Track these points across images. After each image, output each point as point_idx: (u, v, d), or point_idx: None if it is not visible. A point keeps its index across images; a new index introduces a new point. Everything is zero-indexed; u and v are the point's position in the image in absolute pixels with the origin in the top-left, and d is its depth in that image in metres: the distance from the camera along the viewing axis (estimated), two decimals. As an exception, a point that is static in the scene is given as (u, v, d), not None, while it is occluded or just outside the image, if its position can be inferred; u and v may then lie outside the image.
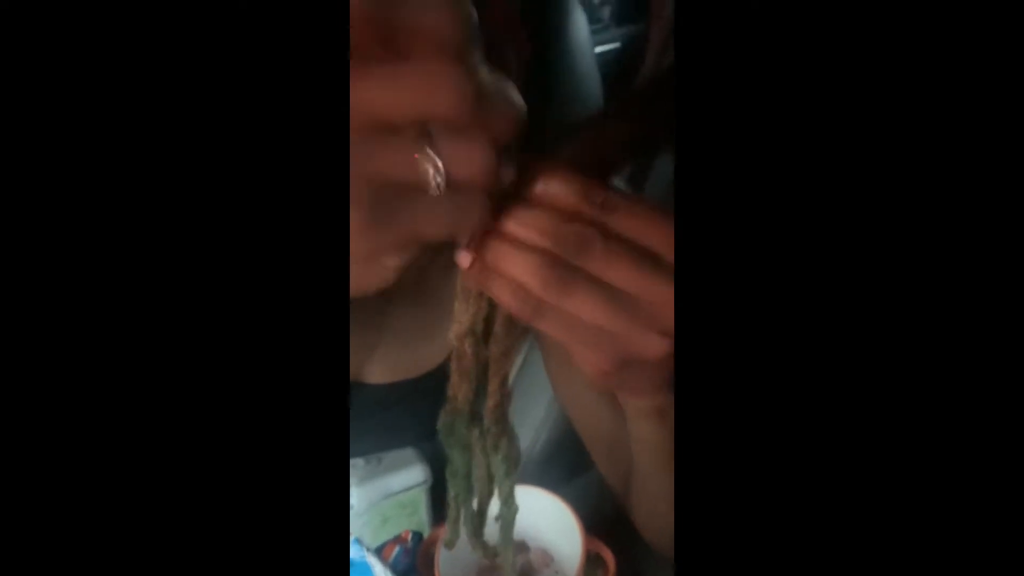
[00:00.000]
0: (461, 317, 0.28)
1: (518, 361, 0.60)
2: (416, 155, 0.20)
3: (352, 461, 0.56)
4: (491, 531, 0.34)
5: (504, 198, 0.23)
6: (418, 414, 0.56)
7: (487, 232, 0.24)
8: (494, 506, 0.33)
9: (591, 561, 0.47)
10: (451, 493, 0.32)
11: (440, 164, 0.20)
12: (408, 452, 0.57)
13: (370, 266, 0.21)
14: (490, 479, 0.31)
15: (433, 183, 0.20)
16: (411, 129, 0.20)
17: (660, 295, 0.23)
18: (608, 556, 0.47)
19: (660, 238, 0.23)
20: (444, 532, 0.34)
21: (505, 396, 0.30)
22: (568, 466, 0.60)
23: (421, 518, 0.55)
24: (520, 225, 0.23)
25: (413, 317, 0.51)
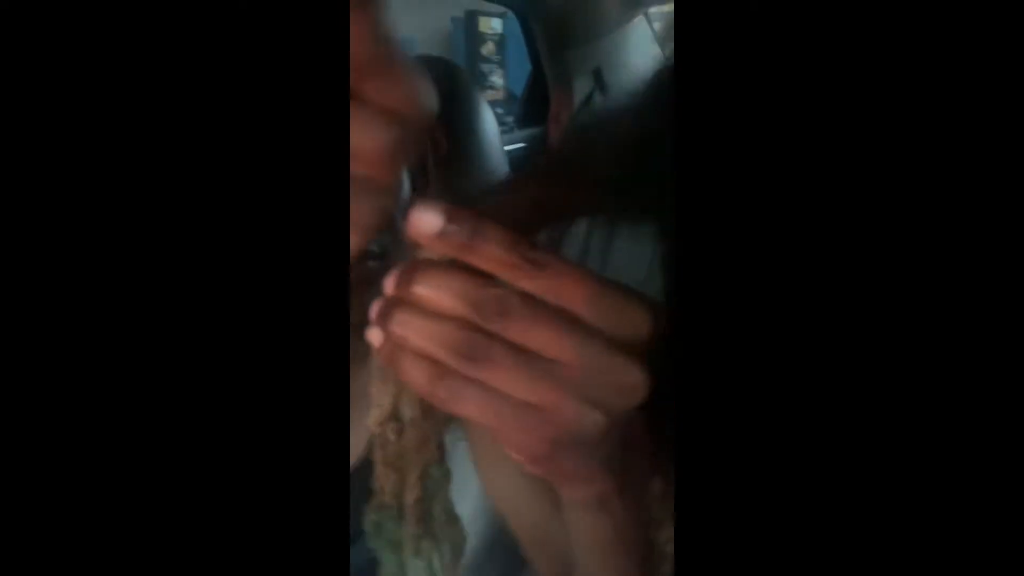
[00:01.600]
0: (381, 400, 0.26)
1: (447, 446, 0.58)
2: None
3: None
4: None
5: (414, 270, 0.22)
6: None
7: (392, 300, 0.22)
8: None
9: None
10: None
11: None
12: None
13: None
14: (443, 570, 0.29)
15: None
16: None
17: (590, 362, 0.22)
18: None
19: (583, 300, 0.22)
20: None
21: (423, 492, 0.27)
22: (503, 567, 0.57)
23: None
24: (429, 289, 0.21)
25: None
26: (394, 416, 0.26)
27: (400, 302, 0.22)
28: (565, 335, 0.22)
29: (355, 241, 0.21)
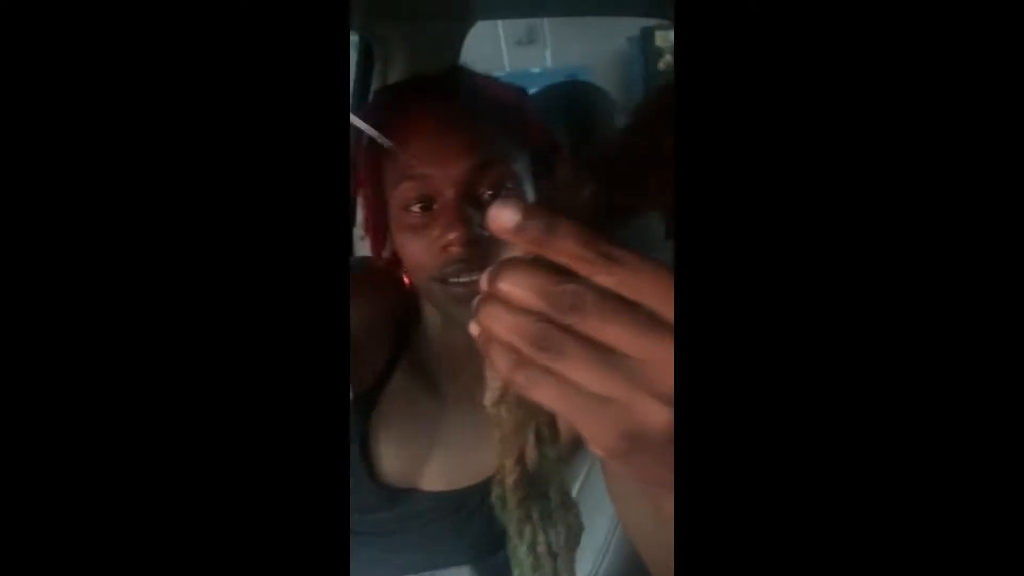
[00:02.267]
0: (492, 384, 0.27)
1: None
2: None
3: (406, 578, 0.53)
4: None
5: (498, 257, 0.23)
6: (473, 526, 0.54)
7: (485, 297, 0.23)
8: None
9: None
10: (514, 573, 0.30)
11: None
12: (463, 572, 0.54)
13: None
14: (551, 555, 0.29)
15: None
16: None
17: (659, 356, 0.22)
18: None
19: (659, 296, 0.22)
20: None
21: (523, 475, 0.28)
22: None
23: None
24: (510, 284, 0.22)
25: (468, 423, 0.50)
26: (504, 398, 0.27)
27: (489, 296, 0.23)
28: (638, 330, 0.22)
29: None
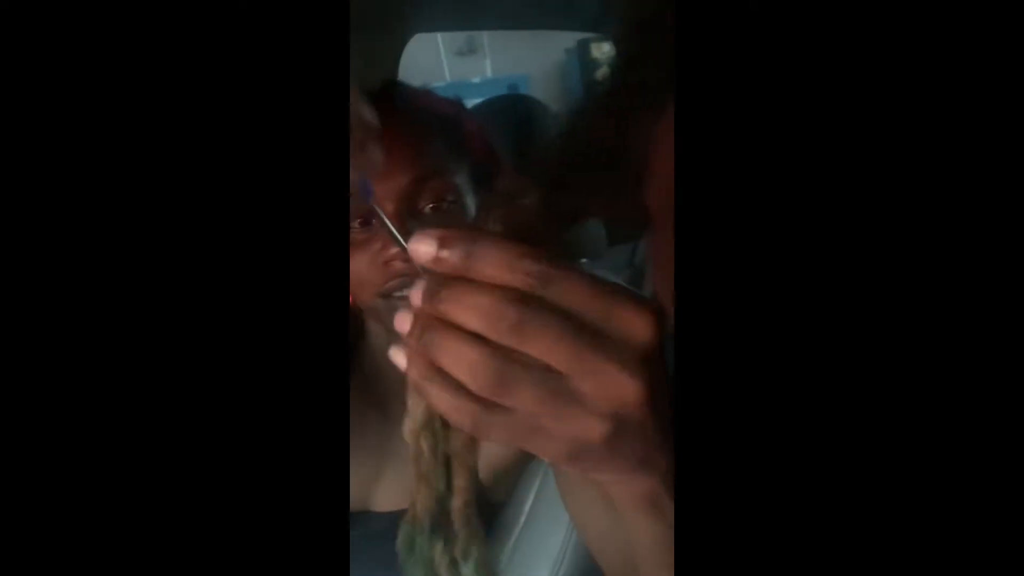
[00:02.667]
0: (414, 411, 0.26)
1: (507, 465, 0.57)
2: None
3: (360, 600, 0.52)
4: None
5: (438, 288, 0.23)
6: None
7: (422, 318, 0.23)
8: None
9: None
10: None
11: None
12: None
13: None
14: None
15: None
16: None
17: (593, 371, 0.22)
18: None
19: (597, 306, 0.22)
20: None
21: (472, 494, 0.27)
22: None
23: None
24: (453, 305, 0.22)
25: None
26: (427, 426, 0.26)
27: (429, 320, 0.23)
28: (576, 348, 0.22)
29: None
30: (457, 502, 0.27)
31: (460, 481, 0.27)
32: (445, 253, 0.22)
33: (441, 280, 0.23)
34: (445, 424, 0.26)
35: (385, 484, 0.52)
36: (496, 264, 0.22)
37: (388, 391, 0.59)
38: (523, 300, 0.22)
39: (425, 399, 0.24)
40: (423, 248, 0.23)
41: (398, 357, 0.24)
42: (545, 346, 0.22)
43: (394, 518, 0.53)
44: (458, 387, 0.23)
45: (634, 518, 0.31)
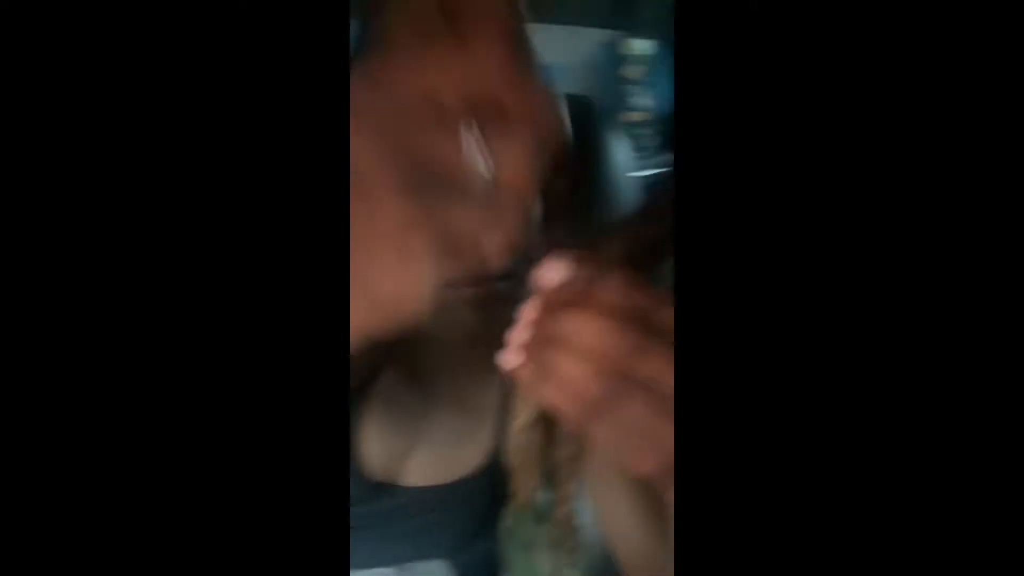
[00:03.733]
0: (521, 411, 0.28)
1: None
2: (465, 142, 0.20)
3: (382, 571, 0.55)
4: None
5: (555, 305, 0.24)
6: (452, 521, 0.55)
7: (540, 333, 0.25)
8: None
9: None
10: None
11: (487, 154, 0.21)
12: (437, 565, 0.55)
13: (410, 279, 0.21)
14: None
15: (483, 169, 0.21)
16: (459, 114, 0.20)
17: None
18: None
19: None
20: None
21: (579, 504, 0.29)
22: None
23: (449, 637, 0.52)
24: (572, 326, 0.24)
25: (450, 421, 0.52)
26: (531, 424, 0.28)
27: (547, 336, 0.24)
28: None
29: (489, 258, 0.23)
30: (561, 508, 0.29)
31: (564, 491, 0.29)
32: (573, 277, 0.24)
33: (559, 304, 0.24)
34: (548, 428, 0.28)
35: (415, 462, 0.54)
36: (617, 290, 0.24)
37: (431, 371, 0.60)
38: (640, 325, 0.23)
39: (542, 400, 0.25)
40: (553, 275, 0.24)
41: (509, 361, 0.25)
42: (659, 369, 0.23)
43: (420, 493, 0.55)
44: (577, 393, 0.24)
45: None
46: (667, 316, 0.24)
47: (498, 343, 0.54)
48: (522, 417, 0.28)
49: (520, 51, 0.21)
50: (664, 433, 0.24)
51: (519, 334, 0.26)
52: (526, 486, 0.29)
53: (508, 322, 0.54)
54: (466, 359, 0.52)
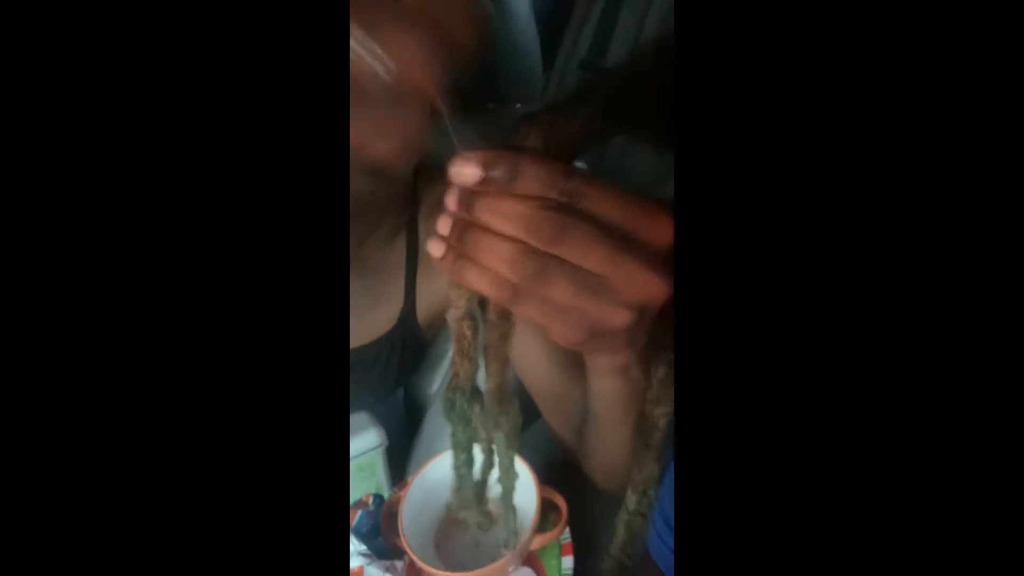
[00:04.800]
0: (458, 302, 0.29)
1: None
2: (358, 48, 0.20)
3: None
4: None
5: (476, 193, 0.24)
6: (368, 379, 0.58)
7: (461, 222, 0.25)
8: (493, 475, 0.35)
9: (545, 507, 0.50)
10: (454, 463, 0.35)
11: (385, 57, 0.20)
12: (362, 416, 0.58)
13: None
14: (490, 452, 0.33)
15: (381, 70, 0.20)
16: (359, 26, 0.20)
17: (626, 271, 0.25)
18: (560, 501, 0.51)
19: (626, 216, 0.25)
20: (451, 498, 0.36)
21: (506, 378, 0.31)
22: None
23: (380, 480, 0.57)
24: (494, 215, 0.24)
25: (358, 287, 0.52)
26: (469, 314, 0.29)
27: (468, 225, 0.25)
28: (609, 252, 0.25)
29: (389, 158, 0.23)
30: (491, 384, 0.31)
31: (493, 367, 0.31)
32: (491, 174, 0.23)
33: (479, 193, 0.24)
34: (482, 317, 0.29)
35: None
36: (536, 181, 0.24)
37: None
38: (560, 209, 0.24)
39: (466, 283, 0.26)
40: (468, 170, 0.23)
41: (435, 249, 0.26)
42: (581, 251, 0.24)
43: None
44: (498, 275, 0.25)
45: (605, 382, 0.37)
46: (596, 200, 0.24)
47: (403, 210, 0.52)
48: (459, 307, 0.29)
49: None
50: (585, 308, 0.26)
51: (441, 225, 0.26)
52: (465, 370, 0.31)
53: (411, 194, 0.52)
54: (370, 227, 0.50)
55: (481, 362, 0.31)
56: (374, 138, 0.22)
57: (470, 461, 0.35)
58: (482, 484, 0.36)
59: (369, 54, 0.20)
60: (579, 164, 0.27)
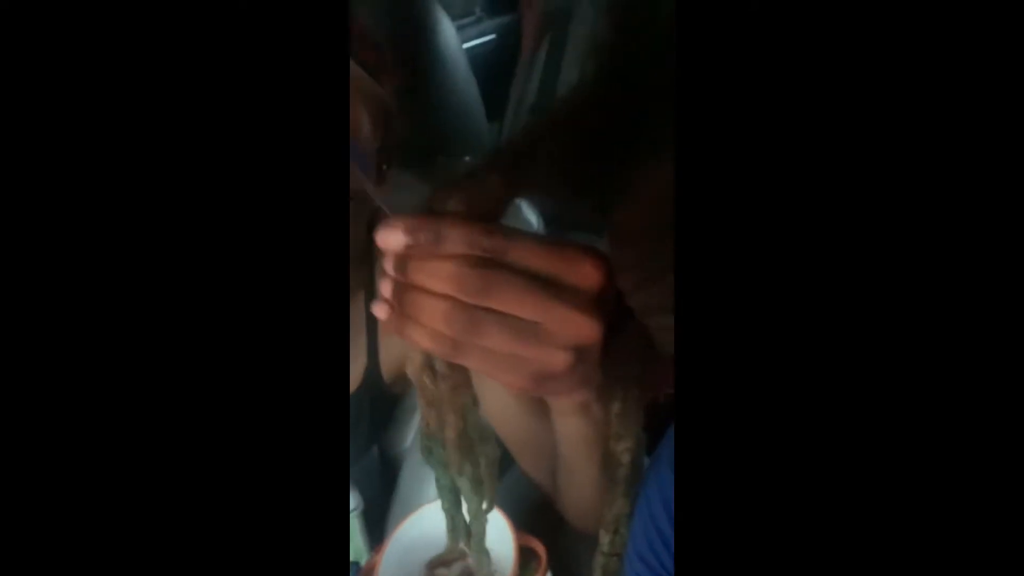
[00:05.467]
0: (414, 355, 0.31)
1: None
2: None
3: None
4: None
5: (408, 255, 0.26)
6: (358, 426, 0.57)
7: (398, 284, 0.26)
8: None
9: (524, 555, 0.49)
10: (443, 505, 0.35)
11: None
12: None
13: None
14: (477, 483, 0.34)
15: None
16: None
17: (557, 315, 0.26)
18: (539, 548, 0.50)
19: (550, 263, 0.26)
20: (446, 538, 0.37)
21: (467, 425, 0.32)
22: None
23: (358, 545, 0.56)
24: (424, 275, 0.26)
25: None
26: (427, 366, 0.31)
27: (404, 286, 0.26)
28: (537, 298, 0.26)
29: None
30: (450, 434, 0.32)
31: (449, 418, 0.32)
32: (415, 238, 0.25)
33: (413, 257, 0.25)
34: (439, 368, 0.30)
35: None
36: (459, 242, 0.25)
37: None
38: (485, 264, 0.25)
39: (409, 341, 0.27)
40: (393, 238, 0.25)
41: (379, 311, 0.27)
42: (510, 301, 0.26)
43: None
44: (437, 332, 0.26)
45: (568, 422, 0.37)
46: (521, 252, 0.26)
47: (360, 267, 0.53)
48: (415, 361, 0.31)
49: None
50: (524, 354, 0.27)
51: (383, 287, 0.27)
52: (434, 418, 0.32)
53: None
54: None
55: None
56: None
57: (458, 503, 0.35)
58: (470, 526, 0.36)
59: None
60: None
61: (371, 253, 0.54)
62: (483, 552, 0.37)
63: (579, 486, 0.45)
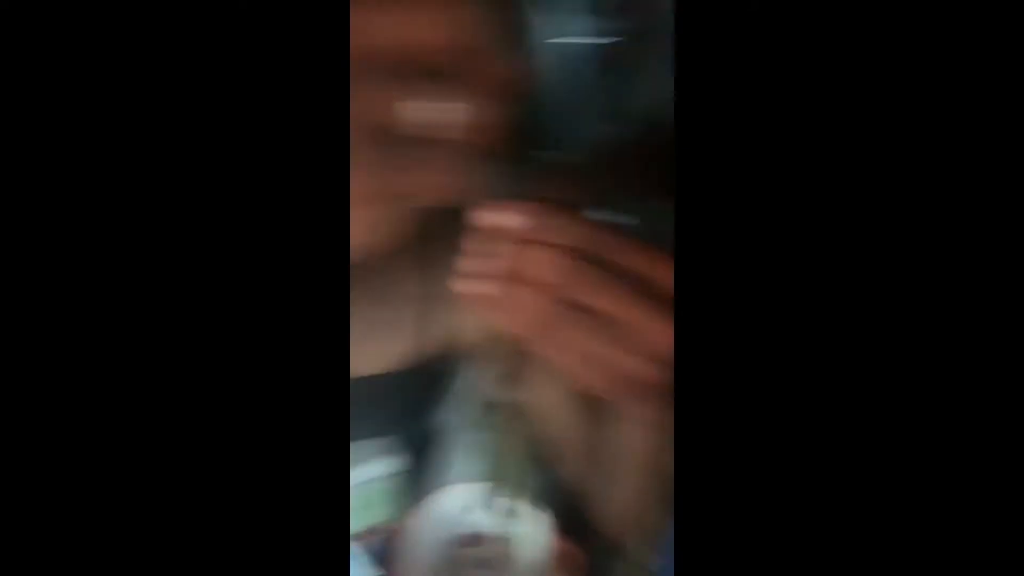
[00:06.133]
0: (476, 336, 0.33)
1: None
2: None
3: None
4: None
5: (500, 237, 0.26)
6: (387, 406, 0.58)
7: (485, 265, 0.27)
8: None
9: (560, 558, 0.48)
10: (487, 486, 0.38)
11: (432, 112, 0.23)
12: (376, 443, 0.58)
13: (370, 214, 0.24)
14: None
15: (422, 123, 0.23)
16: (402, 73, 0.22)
17: (652, 323, 0.26)
18: (578, 554, 0.49)
19: (651, 268, 0.26)
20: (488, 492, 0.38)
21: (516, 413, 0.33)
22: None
23: (392, 507, 0.56)
24: (524, 261, 0.26)
25: (379, 315, 0.53)
26: (488, 347, 0.33)
27: (493, 267, 0.27)
28: (634, 301, 0.26)
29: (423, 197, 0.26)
30: (507, 410, 0.35)
31: (509, 395, 0.34)
32: (513, 223, 0.26)
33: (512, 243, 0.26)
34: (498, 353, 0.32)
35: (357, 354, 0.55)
36: (561, 233, 0.26)
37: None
38: (585, 258, 0.26)
39: (489, 323, 0.28)
40: (493, 218, 0.26)
41: (463, 288, 0.28)
42: (607, 297, 0.26)
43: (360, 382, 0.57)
44: (527, 317, 0.26)
45: (635, 431, 0.37)
46: (620, 251, 0.26)
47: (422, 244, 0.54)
48: (481, 340, 0.31)
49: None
50: (612, 355, 0.27)
51: (471, 263, 0.27)
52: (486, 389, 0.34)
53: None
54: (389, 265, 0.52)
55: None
56: (425, 178, 0.25)
57: (503, 485, 0.37)
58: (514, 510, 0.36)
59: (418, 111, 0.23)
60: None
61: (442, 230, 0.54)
62: (519, 542, 0.36)
63: (623, 495, 0.44)
